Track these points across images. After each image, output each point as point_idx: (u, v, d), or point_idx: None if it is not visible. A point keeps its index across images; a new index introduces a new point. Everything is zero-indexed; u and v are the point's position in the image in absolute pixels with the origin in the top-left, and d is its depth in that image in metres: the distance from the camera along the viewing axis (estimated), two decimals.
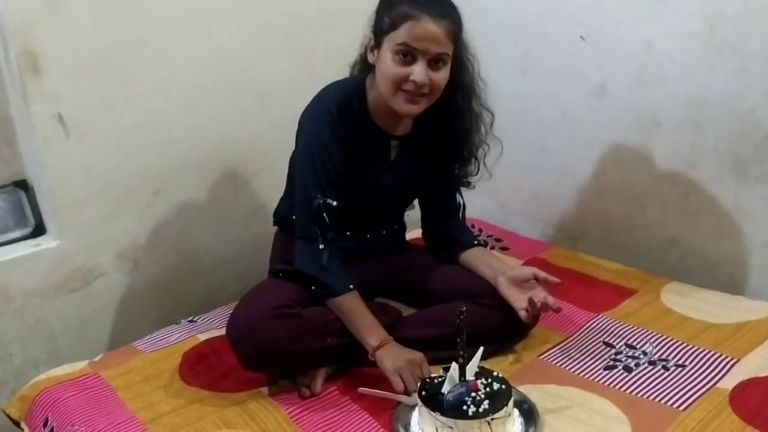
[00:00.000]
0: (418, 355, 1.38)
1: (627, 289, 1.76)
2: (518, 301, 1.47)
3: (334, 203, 1.45)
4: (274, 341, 1.35)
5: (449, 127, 1.54)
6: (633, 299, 1.72)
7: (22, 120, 1.66)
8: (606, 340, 1.55)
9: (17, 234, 1.74)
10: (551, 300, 1.45)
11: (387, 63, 1.39)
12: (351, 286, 1.45)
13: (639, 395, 1.36)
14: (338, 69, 2.11)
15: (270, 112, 2.01)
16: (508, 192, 2.24)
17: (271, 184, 2.04)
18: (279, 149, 2.04)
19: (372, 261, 1.62)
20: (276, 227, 1.71)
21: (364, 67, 1.55)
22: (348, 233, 1.59)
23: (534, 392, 1.35)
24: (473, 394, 1.23)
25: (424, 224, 1.73)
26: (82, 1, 1.63)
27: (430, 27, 1.36)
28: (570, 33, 1.95)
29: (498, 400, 1.23)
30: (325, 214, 1.44)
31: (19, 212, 1.75)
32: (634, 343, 1.53)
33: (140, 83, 1.75)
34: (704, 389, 1.36)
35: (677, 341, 1.52)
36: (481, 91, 1.53)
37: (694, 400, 1.33)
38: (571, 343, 1.54)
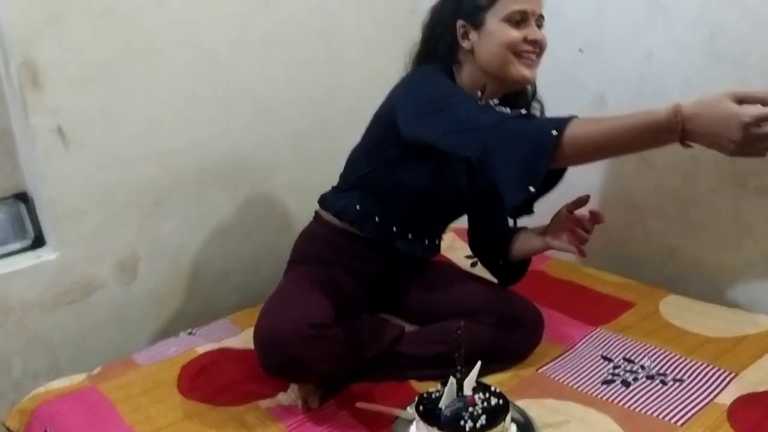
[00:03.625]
0: (741, 115, 1.03)
1: (626, 302, 1.76)
2: (564, 242, 1.47)
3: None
4: (310, 360, 1.32)
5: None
6: (632, 312, 1.71)
7: (22, 132, 1.67)
8: (604, 353, 1.55)
9: (17, 246, 1.74)
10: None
11: (501, 33, 1.40)
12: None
13: (637, 410, 1.35)
14: (338, 79, 2.13)
15: (270, 123, 2.01)
16: None
17: (272, 195, 2.06)
18: (279, 160, 2.06)
19: (407, 274, 1.60)
20: (316, 219, 1.65)
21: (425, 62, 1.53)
22: (410, 236, 1.56)
23: (532, 407, 1.35)
24: (470, 408, 1.22)
25: (475, 244, 1.71)
26: (83, 13, 1.64)
27: None
28: (570, 44, 1.95)
29: (495, 414, 1.22)
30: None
31: (19, 224, 1.76)
32: (632, 357, 1.53)
33: (140, 95, 1.76)
34: (702, 404, 1.35)
35: (676, 355, 1.52)
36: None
37: (692, 415, 1.32)
38: (569, 357, 1.54)
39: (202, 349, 1.61)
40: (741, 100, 1.05)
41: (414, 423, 1.27)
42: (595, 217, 1.45)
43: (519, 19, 1.40)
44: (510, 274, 1.66)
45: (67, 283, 1.75)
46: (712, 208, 1.81)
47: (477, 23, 1.43)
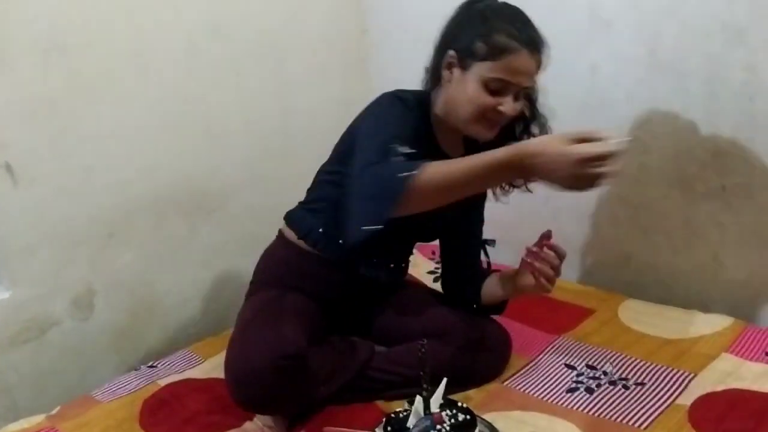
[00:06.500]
0: (581, 151, 1.12)
1: (586, 309, 1.79)
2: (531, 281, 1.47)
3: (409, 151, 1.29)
4: (285, 392, 1.31)
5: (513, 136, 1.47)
6: (592, 318, 1.75)
7: None
8: (567, 362, 1.57)
9: None
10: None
11: (473, 90, 1.35)
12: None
13: (601, 416, 1.37)
14: (290, 101, 2.14)
15: (223, 149, 2.00)
16: None
17: (228, 221, 2.04)
18: (234, 186, 2.04)
19: (372, 299, 1.58)
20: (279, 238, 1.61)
21: (430, 80, 1.48)
22: (374, 260, 1.54)
23: (499, 420, 1.36)
24: (438, 426, 1.23)
25: (448, 290, 1.67)
26: (28, 48, 1.61)
27: (527, 62, 1.34)
28: None
29: (463, 430, 1.23)
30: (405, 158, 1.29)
31: None
32: (594, 364, 1.55)
33: (88, 126, 1.73)
34: (664, 406, 1.38)
35: (636, 359, 1.55)
36: (539, 95, 1.49)
37: (655, 418, 1.35)
38: (533, 367, 1.56)
39: (163, 382, 1.58)
40: (579, 140, 1.14)
41: None
42: (555, 250, 1.45)
43: (499, 87, 1.34)
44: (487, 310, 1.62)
45: (21, 322, 1.70)
46: (662, 214, 1.86)
47: (464, 65, 1.37)
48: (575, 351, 1.61)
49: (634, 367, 1.53)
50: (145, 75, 1.81)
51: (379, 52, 2.32)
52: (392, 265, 1.60)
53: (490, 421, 1.34)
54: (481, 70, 1.34)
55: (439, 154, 1.44)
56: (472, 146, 1.48)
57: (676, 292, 1.85)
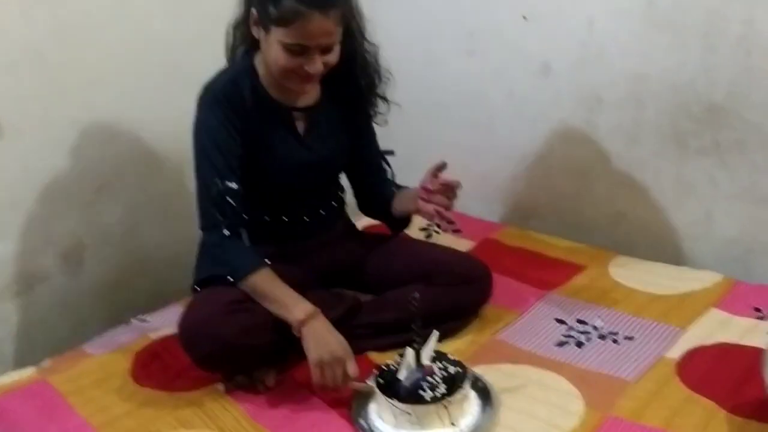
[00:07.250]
0: (342, 351, 1.32)
1: (577, 265, 1.79)
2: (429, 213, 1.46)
3: (235, 186, 1.39)
4: (230, 336, 1.32)
5: (350, 72, 1.49)
6: (582, 275, 1.75)
7: None
8: (558, 316, 1.58)
9: None
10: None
11: (277, 54, 1.35)
12: (265, 262, 1.39)
13: (590, 369, 1.39)
14: None
15: None
16: (457, 173, 2.23)
17: None
18: None
19: (322, 251, 1.58)
20: None
21: (247, 38, 1.46)
22: (285, 219, 1.54)
23: (490, 372, 1.37)
24: (429, 378, 1.23)
25: (362, 205, 1.71)
26: None
27: (321, 24, 1.31)
28: (514, 13, 1.95)
29: (454, 383, 1.24)
30: (229, 198, 1.38)
31: None
32: (584, 319, 1.56)
33: (75, 77, 1.70)
34: (652, 360, 1.39)
35: (626, 314, 1.56)
36: (363, 28, 1.48)
37: (643, 371, 1.36)
38: (524, 322, 1.57)
39: (155, 335, 1.58)
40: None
41: (374, 396, 1.28)
42: (446, 185, 1.43)
43: (300, 50, 1.33)
44: (399, 223, 1.66)
45: (9, 276, 1.69)
46: (655, 170, 1.85)
47: (264, 27, 1.35)
48: (565, 306, 1.62)
49: (624, 321, 1.54)
50: (131, 25, 1.77)
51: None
52: (323, 213, 1.60)
53: (480, 374, 1.35)
54: (278, 35, 1.33)
55: (278, 107, 1.46)
56: (328, 88, 1.51)
57: (666, 249, 1.86)
